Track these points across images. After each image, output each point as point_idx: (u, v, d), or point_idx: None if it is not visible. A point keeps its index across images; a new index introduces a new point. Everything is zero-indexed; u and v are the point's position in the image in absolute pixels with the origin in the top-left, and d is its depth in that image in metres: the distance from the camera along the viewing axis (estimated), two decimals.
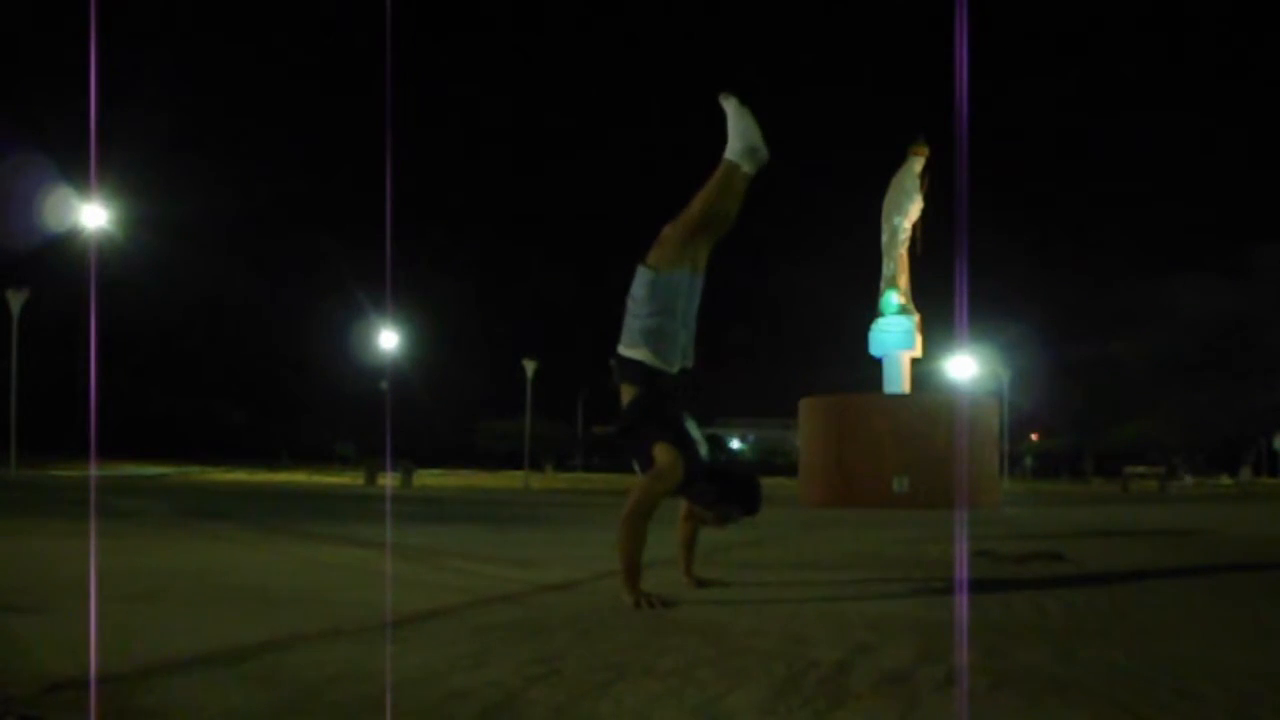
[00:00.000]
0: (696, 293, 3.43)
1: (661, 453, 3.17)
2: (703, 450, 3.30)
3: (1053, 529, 8.15)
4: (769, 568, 4.53)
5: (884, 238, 15.14)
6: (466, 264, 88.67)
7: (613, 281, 3.57)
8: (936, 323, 17.38)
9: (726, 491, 3.32)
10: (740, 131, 3.47)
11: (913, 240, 15.05)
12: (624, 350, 3.36)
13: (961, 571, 4.37)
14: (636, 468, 3.28)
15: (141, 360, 51.80)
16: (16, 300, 27.28)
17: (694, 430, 3.33)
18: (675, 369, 3.35)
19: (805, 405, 14.46)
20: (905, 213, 14.93)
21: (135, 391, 49.25)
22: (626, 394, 3.33)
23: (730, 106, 3.50)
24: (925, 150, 14.89)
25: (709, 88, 3.59)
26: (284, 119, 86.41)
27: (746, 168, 3.47)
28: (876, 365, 15.22)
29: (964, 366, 32.31)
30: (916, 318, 15.00)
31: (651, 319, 3.31)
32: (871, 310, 15.28)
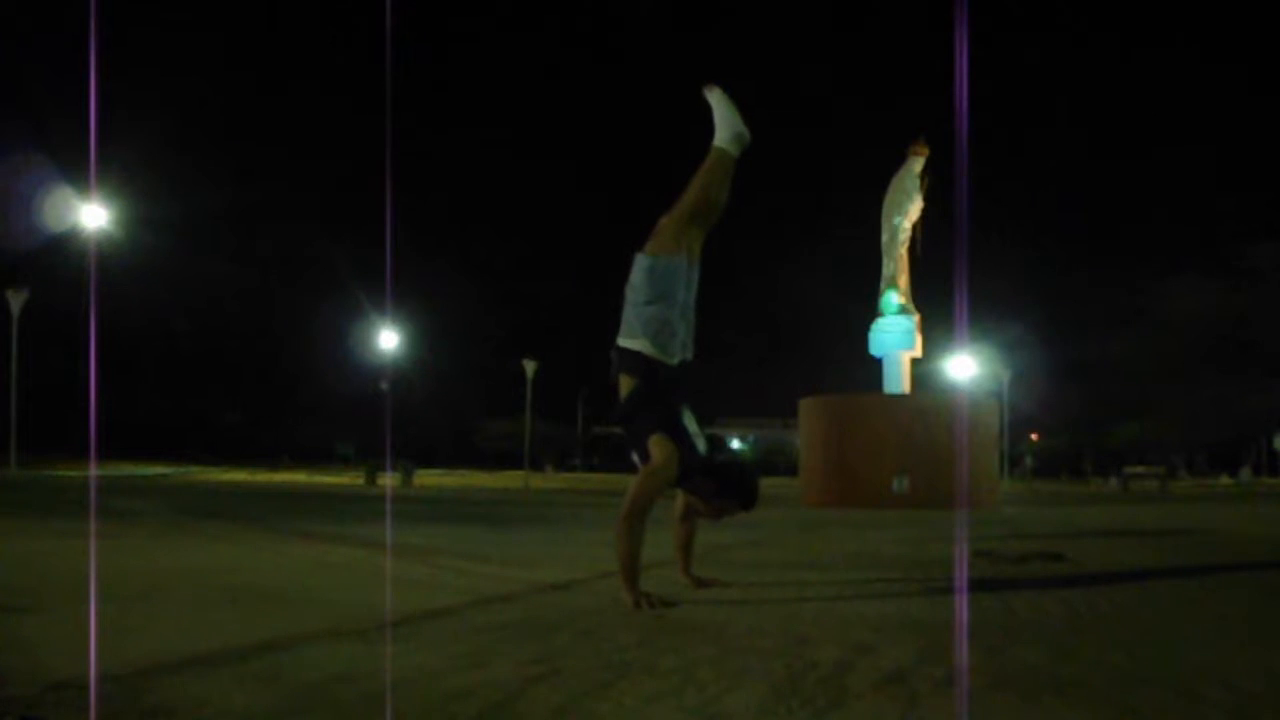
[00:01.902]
0: (693, 283, 3.46)
1: (656, 446, 3.17)
2: (699, 444, 3.30)
3: (1053, 529, 8.15)
4: (769, 568, 4.53)
5: (884, 238, 15.15)
6: (466, 264, 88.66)
7: (612, 282, 3.58)
8: (936, 323, 17.41)
9: (723, 486, 3.31)
10: (726, 119, 3.57)
11: (913, 240, 15.06)
12: (623, 341, 3.37)
13: (961, 571, 4.37)
14: (636, 460, 3.28)
15: (142, 360, 51.78)
16: (16, 300, 27.27)
17: (691, 423, 3.32)
18: (675, 360, 3.36)
19: (805, 405, 14.46)
20: (905, 213, 14.94)
21: (135, 391, 49.24)
22: (625, 385, 3.34)
23: (714, 97, 3.61)
24: (925, 150, 14.90)
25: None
26: (284, 118, 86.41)
27: (733, 151, 3.57)
28: (876, 365, 15.23)
29: (964, 366, 32.29)
30: (916, 318, 15.00)
31: (650, 307, 3.32)
32: (871, 310, 15.28)
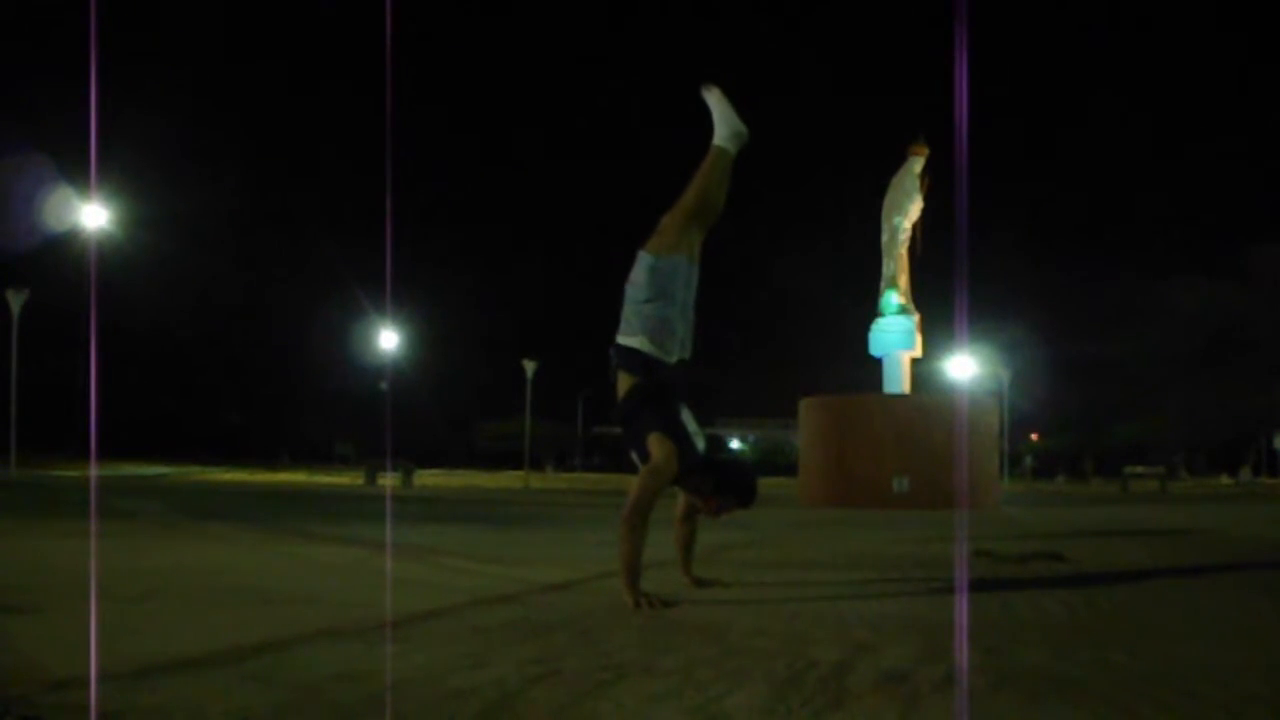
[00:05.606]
0: (693, 282, 3.48)
1: (656, 444, 3.18)
2: (698, 442, 3.31)
3: (1053, 529, 8.15)
4: (769, 568, 4.53)
5: (884, 238, 15.13)
6: (466, 264, 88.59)
7: (613, 281, 3.59)
8: (936, 323, 17.37)
9: (722, 483, 3.33)
10: (724, 118, 3.60)
11: (913, 240, 15.05)
12: (622, 339, 3.38)
13: (961, 571, 4.37)
14: (636, 459, 3.29)
15: (141, 360, 51.64)
16: (16, 300, 27.24)
17: (690, 422, 3.34)
18: (673, 359, 3.37)
19: (805, 405, 14.45)
20: (905, 213, 14.93)
21: (135, 391, 49.13)
22: (624, 383, 3.35)
23: (712, 97, 3.64)
24: (925, 150, 14.88)
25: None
26: (284, 118, 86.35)
27: (731, 149, 3.60)
28: (876, 365, 15.21)
29: (964, 366, 32.29)
30: (916, 318, 14.99)
31: (650, 305, 3.34)
32: (871, 310, 15.27)
